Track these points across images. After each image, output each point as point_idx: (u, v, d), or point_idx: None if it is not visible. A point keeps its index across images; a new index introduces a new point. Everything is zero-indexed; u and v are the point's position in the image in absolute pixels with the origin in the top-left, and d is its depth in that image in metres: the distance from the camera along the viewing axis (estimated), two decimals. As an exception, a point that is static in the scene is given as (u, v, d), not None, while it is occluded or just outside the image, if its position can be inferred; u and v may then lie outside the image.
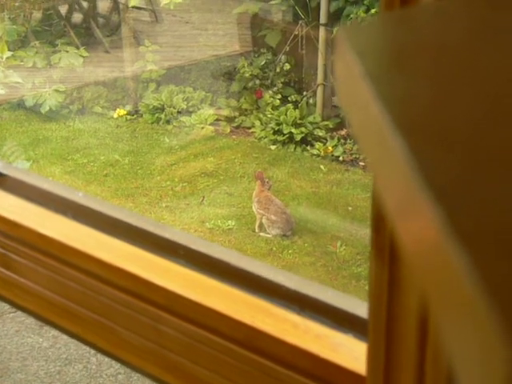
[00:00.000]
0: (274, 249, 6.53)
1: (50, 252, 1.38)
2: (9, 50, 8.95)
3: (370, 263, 0.84)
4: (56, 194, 1.48)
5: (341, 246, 6.55)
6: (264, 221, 6.75)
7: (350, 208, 7.23)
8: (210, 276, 1.23)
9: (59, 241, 1.36)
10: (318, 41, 9.00)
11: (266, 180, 7.04)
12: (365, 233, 6.82)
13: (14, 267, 1.45)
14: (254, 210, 6.88)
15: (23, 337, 5.73)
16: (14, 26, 9.16)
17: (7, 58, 4.17)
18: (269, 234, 6.71)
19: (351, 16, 8.52)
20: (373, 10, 8.22)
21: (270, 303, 1.18)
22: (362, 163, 8.38)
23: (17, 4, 9.46)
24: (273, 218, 6.69)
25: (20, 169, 1.70)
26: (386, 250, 0.80)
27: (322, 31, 8.96)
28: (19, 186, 1.53)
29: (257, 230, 6.77)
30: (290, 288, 1.18)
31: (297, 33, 9.28)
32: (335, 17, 8.85)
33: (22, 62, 8.20)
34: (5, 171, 1.56)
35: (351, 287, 6.05)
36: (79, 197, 1.49)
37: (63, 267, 1.36)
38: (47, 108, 8.58)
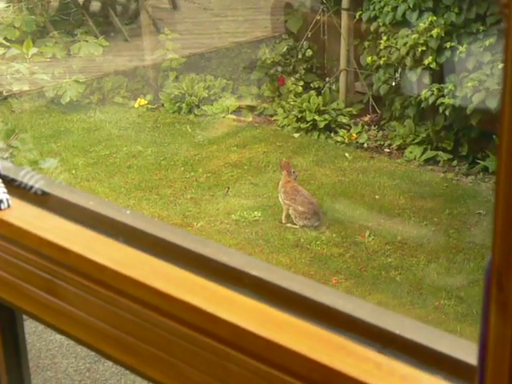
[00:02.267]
0: (302, 240, 6.43)
1: (101, 280, 1.28)
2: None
3: (487, 318, 0.73)
4: (104, 215, 1.38)
5: (369, 236, 6.44)
6: (291, 211, 6.64)
7: (377, 197, 7.12)
8: (280, 309, 1.13)
9: (111, 268, 1.26)
10: (340, 26, 8.85)
11: (293, 170, 6.94)
12: (393, 222, 6.71)
13: (61, 294, 1.36)
14: (281, 200, 6.77)
15: (52, 333, 5.67)
16: (33, 17, 9.08)
17: (33, 54, 4.07)
18: (296, 224, 6.61)
19: (374, 0, 8.37)
20: (395, -6, 8.06)
21: (348, 339, 1.08)
22: (387, 150, 8.26)
23: (35, -7, 9.37)
24: (300, 208, 6.59)
25: (64, 186, 1.60)
26: (510, 305, 0.70)
27: (344, 16, 8.80)
28: (64, 205, 1.44)
29: (283, 221, 6.67)
30: (371, 323, 1.07)
31: (318, 18, 9.13)
32: (357, 1, 8.70)
33: (41, 52, 8.11)
34: (48, 189, 1.47)
35: (381, 278, 5.95)
36: (129, 216, 1.39)
37: (116, 296, 1.26)
38: (68, 99, 8.49)
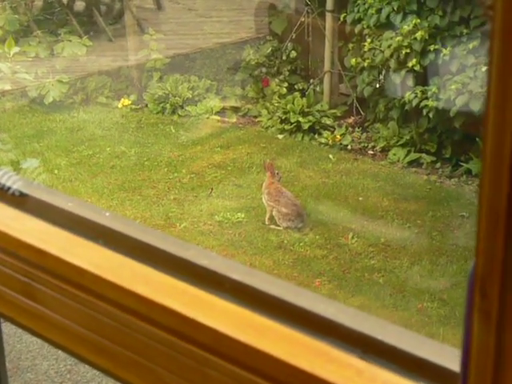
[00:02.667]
0: (285, 242, 6.42)
1: (80, 283, 1.26)
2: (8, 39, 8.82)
3: (470, 326, 0.72)
4: (83, 217, 1.36)
5: (352, 238, 6.44)
6: (274, 213, 6.63)
7: (360, 198, 7.12)
8: (260, 313, 1.11)
9: (89, 271, 1.24)
10: (324, 28, 8.85)
11: (276, 171, 6.92)
12: (376, 224, 6.71)
13: (39, 298, 1.34)
14: (264, 202, 6.76)
15: (32, 335, 5.59)
16: (16, 16, 9.02)
17: (15, 53, 4.03)
18: (279, 226, 6.60)
19: (358, 2, 8.37)
20: (381, -4, 8.06)
21: (329, 345, 1.06)
22: (370, 152, 8.26)
23: (18, -7, 9.31)
24: (283, 210, 6.58)
25: (42, 187, 1.58)
26: (493, 313, 0.68)
27: (328, 18, 8.80)
28: (42, 206, 1.41)
29: (267, 223, 6.66)
30: (352, 328, 1.06)
31: (303, 20, 9.13)
32: (342, 3, 8.70)
33: (24, 52, 8.06)
34: (26, 190, 1.44)
35: (364, 280, 5.94)
36: (108, 218, 1.37)
37: (95, 300, 1.24)
38: (51, 99, 8.44)
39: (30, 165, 3.33)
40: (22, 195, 1.43)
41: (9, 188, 1.43)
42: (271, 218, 6.66)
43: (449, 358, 1.00)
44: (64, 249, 1.30)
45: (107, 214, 1.43)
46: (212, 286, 1.18)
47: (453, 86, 7.31)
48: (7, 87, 4.44)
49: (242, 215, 6.75)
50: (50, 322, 1.32)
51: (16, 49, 4.09)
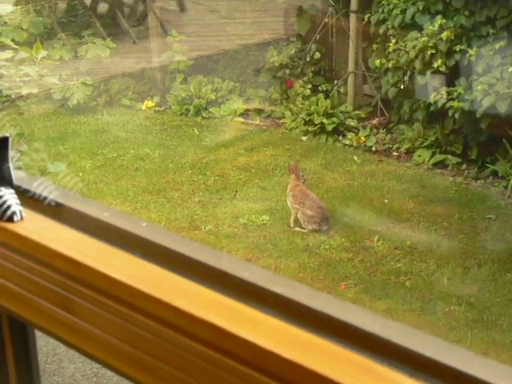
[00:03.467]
0: (311, 244, 6.38)
1: (117, 295, 1.24)
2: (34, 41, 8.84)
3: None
4: (119, 228, 1.34)
5: (378, 240, 6.39)
6: (299, 215, 6.59)
7: (386, 201, 7.07)
8: (304, 328, 1.09)
9: (126, 283, 1.22)
10: (348, 28, 8.80)
11: (301, 174, 6.89)
12: (402, 226, 6.66)
13: (75, 310, 1.32)
14: (289, 204, 6.72)
15: (69, 348, 5.57)
16: (40, 19, 9.05)
17: (42, 57, 4.04)
18: (304, 229, 6.56)
19: (383, 2, 8.31)
20: (405, -4, 8.00)
21: (376, 362, 1.03)
22: (395, 153, 8.20)
23: (42, -5, 9.35)
24: (308, 212, 6.54)
25: (78, 197, 1.56)
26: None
27: (352, 19, 8.75)
28: (78, 216, 1.39)
29: (292, 225, 6.62)
30: (400, 344, 1.03)
31: (327, 20, 9.08)
32: (366, 3, 8.65)
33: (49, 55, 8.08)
34: (61, 200, 1.42)
35: (391, 283, 5.89)
36: (145, 229, 1.35)
37: (132, 313, 1.22)
38: (75, 101, 8.46)
39: (57, 168, 3.33)
40: (58, 205, 1.41)
41: (45, 198, 1.41)
42: (296, 221, 6.62)
43: (502, 376, 0.97)
44: (101, 260, 1.28)
45: (144, 224, 1.40)
46: (254, 300, 1.15)
47: (479, 87, 7.23)
48: (34, 91, 4.45)
49: (267, 217, 6.71)
50: (87, 334, 1.30)
51: (43, 53, 4.09)
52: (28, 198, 1.43)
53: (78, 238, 1.34)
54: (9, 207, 1.38)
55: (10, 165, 1.39)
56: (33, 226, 1.37)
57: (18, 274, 1.35)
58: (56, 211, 1.41)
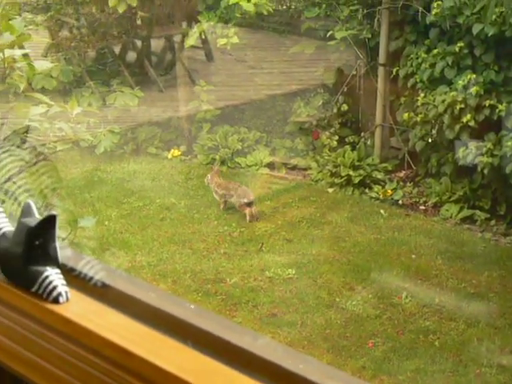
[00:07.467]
0: (337, 300, 6.29)
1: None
2: (65, 89, 8.92)
3: None
4: (168, 313, 1.29)
5: (406, 297, 6.29)
6: (326, 270, 6.52)
7: (413, 256, 6.97)
8: None
9: (178, 376, 1.16)
10: (376, 81, 8.80)
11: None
12: (430, 283, 6.56)
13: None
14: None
15: None
16: (70, 67, 9.13)
17: (77, 114, 4.05)
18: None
19: (411, 56, 8.32)
20: (434, 51, 7.99)
21: None
22: (422, 207, 8.13)
23: (72, 44, 9.43)
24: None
25: (124, 276, 1.51)
26: None
27: (380, 71, 8.75)
28: (124, 298, 1.34)
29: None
30: None
31: (355, 73, 9.09)
32: (395, 57, 8.66)
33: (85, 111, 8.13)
34: (107, 280, 1.38)
35: (419, 342, 5.78)
36: (194, 312, 1.30)
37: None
38: (102, 149, 8.48)
39: (88, 223, 3.31)
40: (104, 286, 1.36)
41: (91, 278, 1.37)
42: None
43: None
44: (150, 349, 1.22)
45: (192, 306, 1.36)
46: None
47: (509, 143, 7.18)
48: (66, 146, 4.46)
49: (293, 271, 6.64)
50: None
51: (78, 109, 4.10)
52: (74, 277, 1.38)
53: (125, 324, 1.29)
54: (55, 288, 1.33)
55: (57, 244, 1.35)
56: (79, 309, 1.32)
57: (62, 359, 1.30)
58: (102, 292, 1.36)
